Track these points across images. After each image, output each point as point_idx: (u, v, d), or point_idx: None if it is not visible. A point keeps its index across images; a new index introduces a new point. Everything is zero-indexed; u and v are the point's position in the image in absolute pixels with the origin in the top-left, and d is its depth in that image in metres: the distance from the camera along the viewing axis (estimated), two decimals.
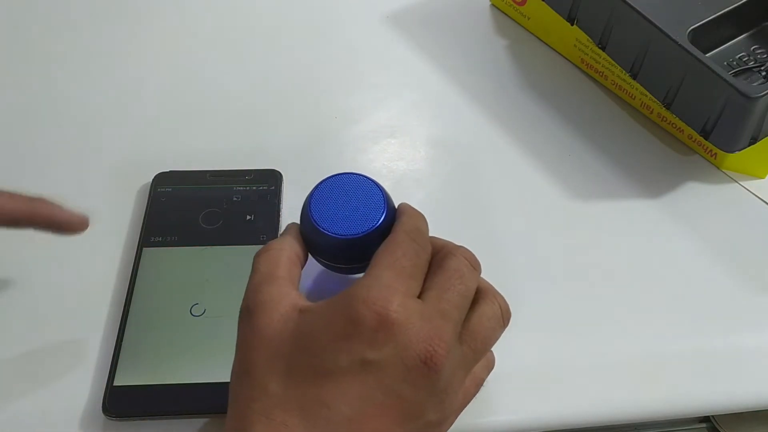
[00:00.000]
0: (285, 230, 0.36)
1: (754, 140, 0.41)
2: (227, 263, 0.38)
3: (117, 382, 0.34)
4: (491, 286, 0.34)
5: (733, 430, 0.42)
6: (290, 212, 0.42)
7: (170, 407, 0.34)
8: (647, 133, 0.48)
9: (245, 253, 0.39)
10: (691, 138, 0.46)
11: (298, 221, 0.35)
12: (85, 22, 0.53)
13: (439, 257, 0.33)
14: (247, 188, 0.42)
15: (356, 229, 0.33)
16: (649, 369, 0.36)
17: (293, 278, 0.33)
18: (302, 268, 0.34)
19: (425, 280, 0.32)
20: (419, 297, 0.31)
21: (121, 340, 0.35)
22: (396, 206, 0.36)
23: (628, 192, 0.44)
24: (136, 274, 0.38)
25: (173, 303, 0.37)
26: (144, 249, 0.39)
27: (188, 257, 0.39)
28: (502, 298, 0.33)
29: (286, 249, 0.33)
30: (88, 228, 0.41)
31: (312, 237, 0.34)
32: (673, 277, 0.40)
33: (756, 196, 0.44)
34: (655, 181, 0.45)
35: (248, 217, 0.40)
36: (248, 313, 0.31)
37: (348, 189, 0.35)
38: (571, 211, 0.43)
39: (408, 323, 0.28)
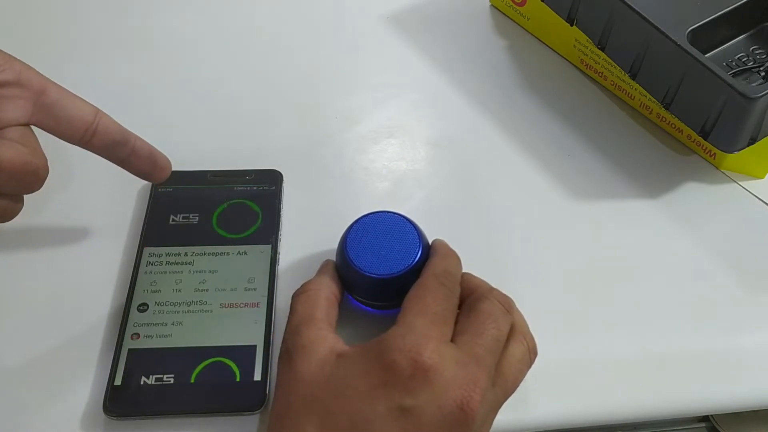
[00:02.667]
0: (321, 268, 0.37)
1: (753, 140, 0.41)
2: (228, 263, 0.38)
3: (118, 382, 0.34)
4: (522, 323, 0.34)
5: (732, 430, 0.42)
6: (290, 212, 0.42)
7: (171, 406, 0.34)
8: (646, 133, 0.48)
9: (245, 253, 0.39)
10: (690, 138, 0.46)
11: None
12: (85, 21, 0.53)
13: (473, 299, 0.33)
14: (248, 188, 0.42)
15: (392, 268, 0.34)
16: (648, 369, 0.37)
17: (331, 319, 0.34)
18: (339, 306, 0.35)
19: (458, 322, 0.32)
20: (453, 340, 0.31)
21: (122, 340, 0.35)
22: (430, 242, 0.36)
23: (627, 192, 0.44)
24: (136, 274, 0.38)
25: (174, 303, 0.37)
26: (144, 249, 0.39)
27: (189, 257, 0.39)
28: (531, 336, 0.33)
29: (324, 290, 0.35)
30: (88, 228, 0.41)
31: (348, 276, 0.35)
32: (673, 276, 0.40)
33: (755, 196, 0.44)
34: (654, 181, 0.45)
35: (249, 218, 0.41)
36: (288, 356, 0.32)
37: (383, 227, 0.36)
38: (570, 211, 0.43)
39: (443, 369, 0.29)
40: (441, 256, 0.35)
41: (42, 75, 0.34)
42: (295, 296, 0.35)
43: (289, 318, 0.34)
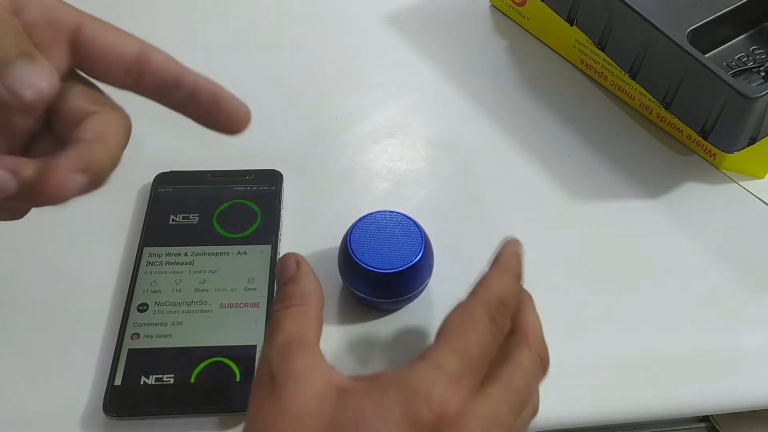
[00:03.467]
0: (300, 271, 0.30)
1: (752, 140, 0.41)
2: (228, 263, 0.38)
3: (118, 382, 0.34)
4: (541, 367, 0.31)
5: (732, 430, 0.42)
6: (290, 212, 0.42)
7: (171, 406, 0.34)
8: (646, 133, 0.48)
9: (245, 253, 0.39)
10: (690, 138, 0.46)
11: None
12: None
13: (513, 341, 0.29)
14: (248, 188, 0.42)
15: (394, 264, 0.35)
16: (648, 369, 0.37)
17: (319, 341, 0.28)
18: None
19: (490, 363, 0.28)
20: (482, 382, 0.27)
21: (122, 340, 0.35)
22: (432, 244, 0.36)
23: (627, 192, 0.44)
24: (136, 274, 0.38)
25: (173, 303, 0.37)
26: (144, 249, 0.39)
27: (189, 257, 0.39)
28: (538, 396, 0.30)
29: (314, 305, 0.29)
30: (88, 228, 0.41)
31: (350, 269, 0.36)
32: (673, 276, 0.40)
33: (755, 196, 0.44)
34: (654, 182, 0.45)
35: (249, 217, 0.41)
36: (271, 384, 0.26)
37: (387, 226, 0.36)
38: (570, 211, 0.43)
39: (467, 428, 0.25)
40: (500, 272, 0.30)
41: (75, 8, 0.27)
42: (281, 309, 0.29)
43: (271, 333, 0.28)
